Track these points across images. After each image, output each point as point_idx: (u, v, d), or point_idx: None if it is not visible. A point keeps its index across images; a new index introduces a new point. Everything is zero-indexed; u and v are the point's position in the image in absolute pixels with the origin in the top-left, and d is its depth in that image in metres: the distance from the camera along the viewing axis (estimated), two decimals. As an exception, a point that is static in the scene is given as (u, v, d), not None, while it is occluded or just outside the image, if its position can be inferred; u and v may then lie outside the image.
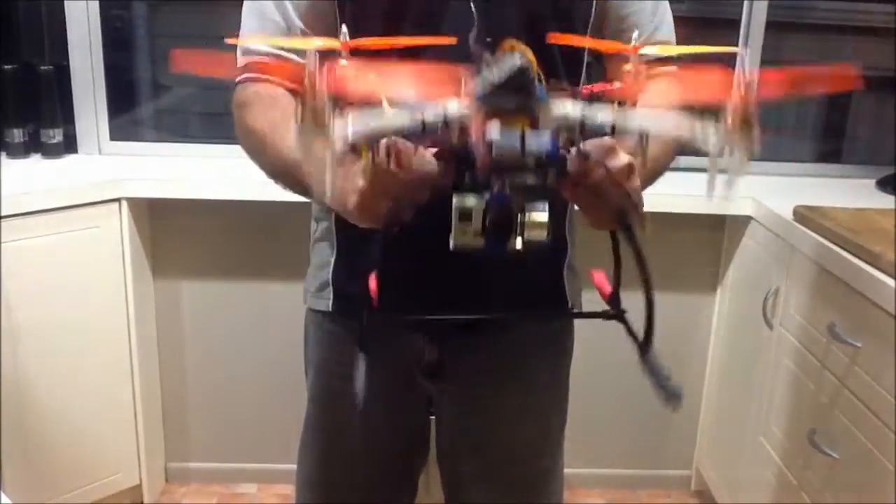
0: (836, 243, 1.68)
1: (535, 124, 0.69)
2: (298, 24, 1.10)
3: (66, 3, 2.23)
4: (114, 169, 2.19)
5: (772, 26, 2.37)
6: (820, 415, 1.70)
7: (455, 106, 0.70)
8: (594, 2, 1.12)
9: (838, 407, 1.63)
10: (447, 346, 1.20)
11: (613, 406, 2.42)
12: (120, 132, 2.37)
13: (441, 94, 0.70)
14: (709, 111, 0.70)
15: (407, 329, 1.21)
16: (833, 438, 1.64)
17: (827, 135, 2.69)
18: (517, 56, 0.67)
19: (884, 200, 2.16)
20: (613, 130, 0.72)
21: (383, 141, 0.73)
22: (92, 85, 2.30)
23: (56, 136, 2.23)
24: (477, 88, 0.69)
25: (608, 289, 1.01)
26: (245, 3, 1.14)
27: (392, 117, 0.69)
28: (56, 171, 2.17)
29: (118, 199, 2.03)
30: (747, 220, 2.13)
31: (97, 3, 2.26)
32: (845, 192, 2.24)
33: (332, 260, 1.23)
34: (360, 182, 0.79)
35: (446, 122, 0.70)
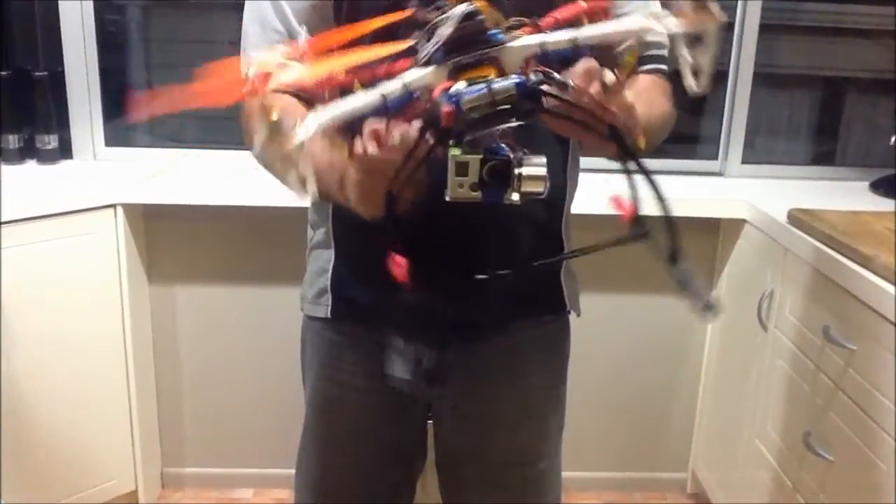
0: (830, 246, 1.68)
1: (501, 71, 0.69)
2: (298, 29, 1.10)
3: (60, 8, 2.23)
4: (109, 175, 2.19)
5: (765, 29, 2.38)
6: (815, 417, 1.71)
7: (415, 74, 0.70)
8: None
9: (833, 409, 1.64)
10: (446, 351, 1.21)
11: (609, 409, 2.43)
12: (115, 137, 2.37)
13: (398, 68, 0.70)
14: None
15: (407, 336, 1.21)
16: (828, 440, 1.65)
17: (820, 137, 2.69)
18: (462, 5, 0.68)
19: (878, 202, 2.17)
20: (577, 47, 0.72)
21: (366, 130, 0.73)
22: (87, 90, 2.30)
23: (51, 141, 2.23)
24: (431, 50, 0.69)
25: (630, 209, 0.93)
26: (246, 8, 1.14)
27: (351, 100, 0.69)
28: (51, 177, 2.17)
29: (113, 205, 2.03)
30: (742, 223, 2.13)
31: (91, 8, 2.26)
32: (839, 194, 2.25)
33: (331, 266, 1.23)
34: (354, 175, 0.78)
35: (411, 93, 0.70)
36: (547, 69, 0.73)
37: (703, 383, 2.40)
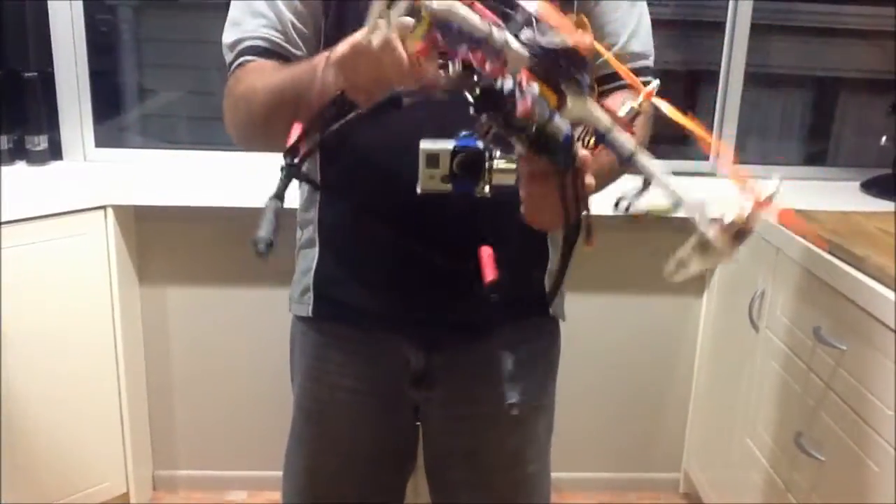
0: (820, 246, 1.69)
1: (560, 106, 0.71)
2: (289, 16, 1.09)
3: (50, 8, 2.22)
4: (99, 176, 2.18)
5: (757, 29, 2.38)
6: (806, 417, 1.71)
7: (516, 43, 0.70)
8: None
9: (824, 409, 1.64)
10: (434, 354, 1.20)
11: (602, 409, 2.43)
12: (105, 138, 2.36)
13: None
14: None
15: (394, 337, 1.21)
16: (819, 441, 1.65)
17: (812, 137, 2.70)
18: (588, 36, 0.69)
19: (869, 203, 2.18)
20: (630, 160, 0.74)
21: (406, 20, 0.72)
22: (77, 91, 2.28)
23: (41, 143, 2.22)
24: (537, 39, 0.69)
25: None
26: (233, 3, 1.14)
27: (471, 14, 0.68)
28: (41, 178, 2.16)
29: (104, 207, 2.02)
30: (733, 223, 2.13)
31: (81, 9, 2.24)
32: (831, 194, 2.25)
33: (314, 265, 1.22)
34: (359, 35, 0.76)
35: (500, 49, 0.69)
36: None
37: (696, 383, 2.41)
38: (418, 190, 0.77)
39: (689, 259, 0.69)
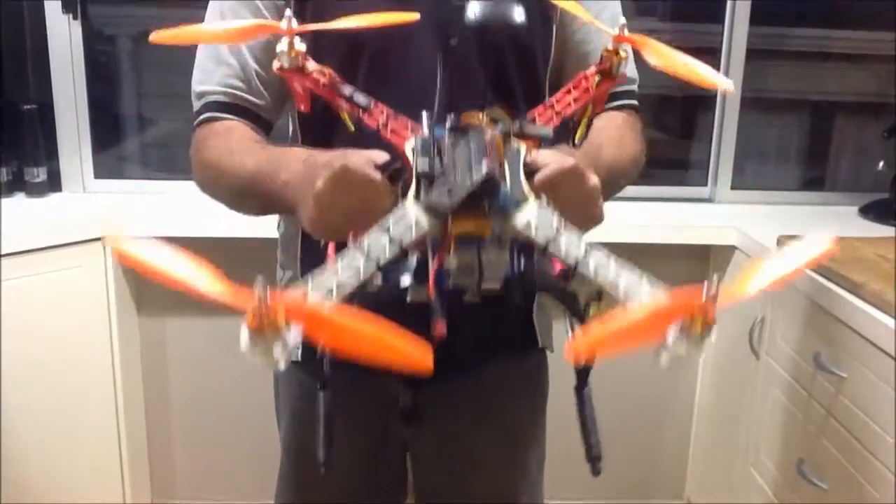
0: (819, 273, 1.68)
1: (493, 233, 0.66)
2: (253, 66, 1.10)
3: (49, 40, 2.23)
4: (98, 207, 2.18)
5: (752, 54, 2.40)
6: (808, 445, 1.70)
7: (403, 223, 0.65)
8: (553, 41, 1.13)
9: (826, 437, 1.63)
10: (422, 390, 1.19)
11: (604, 436, 2.40)
12: (104, 168, 2.36)
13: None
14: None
15: (381, 374, 1.20)
16: (821, 468, 1.64)
17: (810, 162, 2.70)
18: (483, 165, 0.64)
19: (867, 228, 2.17)
20: (569, 273, 0.68)
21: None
22: (76, 123, 2.30)
23: (40, 174, 2.23)
24: (436, 198, 0.65)
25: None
26: (199, 48, 1.15)
27: (343, 269, 0.64)
28: (40, 210, 2.16)
29: (102, 238, 2.02)
30: (732, 249, 2.13)
31: (81, 40, 2.26)
32: (828, 219, 2.25)
33: None
34: (319, 184, 0.77)
35: (402, 249, 0.65)
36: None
37: (697, 411, 2.39)
38: (408, 300, 0.73)
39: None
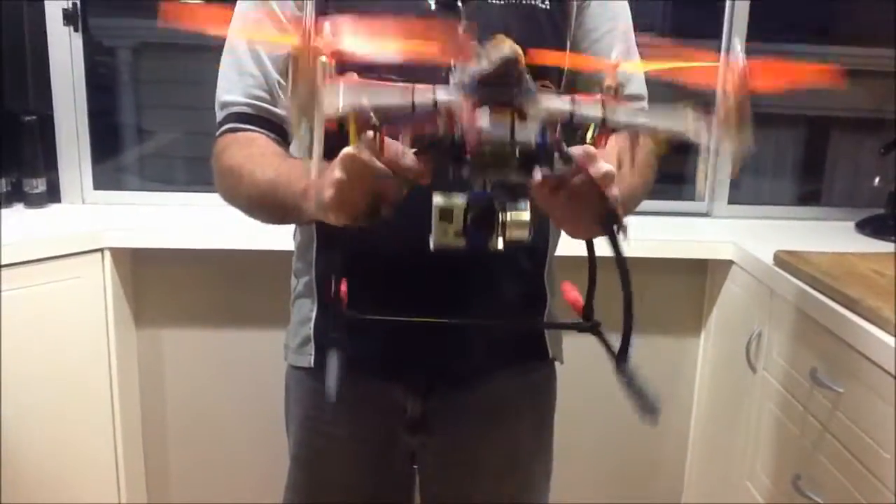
0: (816, 288, 1.69)
1: (522, 117, 0.68)
2: (275, 76, 1.12)
3: (49, 51, 2.24)
4: (97, 219, 2.19)
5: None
6: (804, 459, 1.70)
7: (444, 93, 0.70)
8: (567, 50, 1.14)
9: (822, 452, 1.63)
10: (430, 400, 1.20)
11: (600, 450, 2.41)
12: (103, 179, 2.36)
13: (435, 59, 0.70)
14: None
15: (391, 384, 1.21)
16: (817, 483, 1.64)
17: (806, 177, 2.71)
18: (506, 47, 0.67)
19: (864, 243, 2.18)
20: (604, 124, 0.71)
21: (368, 133, 0.72)
22: (76, 134, 2.29)
23: (39, 185, 2.23)
24: (465, 78, 0.69)
25: (581, 301, 0.98)
26: (223, 58, 1.17)
27: (383, 94, 0.68)
28: (39, 221, 2.16)
29: (101, 249, 2.02)
30: (729, 264, 2.14)
31: (81, 52, 2.26)
32: (825, 234, 2.26)
33: (314, 315, 1.22)
34: (338, 174, 0.77)
35: (436, 106, 0.69)
36: (560, 140, 0.72)
37: (694, 424, 2.40)
38: (431, 246, 0.76)
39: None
